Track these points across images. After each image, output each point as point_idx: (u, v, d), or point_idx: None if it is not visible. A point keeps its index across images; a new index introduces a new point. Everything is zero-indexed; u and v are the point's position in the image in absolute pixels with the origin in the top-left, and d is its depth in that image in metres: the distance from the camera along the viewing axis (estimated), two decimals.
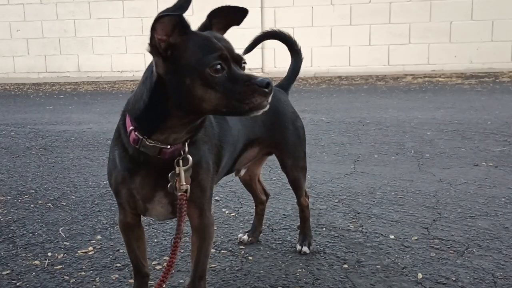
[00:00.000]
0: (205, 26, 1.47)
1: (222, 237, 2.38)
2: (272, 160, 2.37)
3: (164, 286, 1.51)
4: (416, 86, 8.19)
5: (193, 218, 1.58)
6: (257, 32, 2.15)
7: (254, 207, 2.38)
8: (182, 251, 2.20)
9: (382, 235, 2.35)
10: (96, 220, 2.64)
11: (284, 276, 1.98)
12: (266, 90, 1.31)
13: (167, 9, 1.27)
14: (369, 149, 4.13)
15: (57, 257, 2.19)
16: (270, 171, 3.48)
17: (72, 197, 3.05)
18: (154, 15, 1.28)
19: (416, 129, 4.82)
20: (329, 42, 10.10)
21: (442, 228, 2.42)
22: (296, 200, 2.22)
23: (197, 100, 1.32)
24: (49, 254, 2.22)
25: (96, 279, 1.98)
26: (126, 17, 10.64)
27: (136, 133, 1.42)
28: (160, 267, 2.07)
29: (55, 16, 10.89)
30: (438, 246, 2.21)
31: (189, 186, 1.47)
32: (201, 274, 1.62)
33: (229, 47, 1.37)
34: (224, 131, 1.70)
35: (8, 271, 2.06)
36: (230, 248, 2.25)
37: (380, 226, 2.47)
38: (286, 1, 10.08)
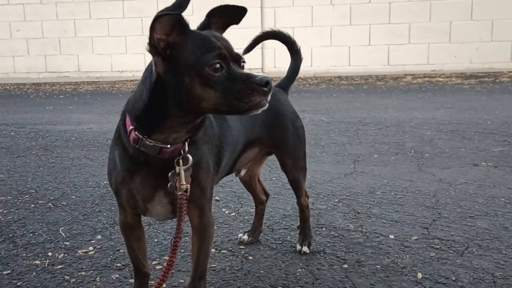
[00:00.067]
0: (204, 26, 1.47)
1: (222, 237, 2.38)
2: (272, 160, 2.37)
3: (164, 285, 1.52)
4: (416, 86, 8.19)
5: (193, 218, 1.59)
6: (257, 32, 2.16)
7: (254, 207, 2.38)
8: (182, 251, 2.20)
9: (382, 235, 2.36)
10: (96, 220, 2.64)
11: (284, 276, 1.99)
12: (265, 88, 1.31)
13: (166, 9, 1.27)
14: (369, 149, 4.13)
15: (58, 257, 2.19)
16: (270, 171, 3.48)
17: (73, 197, 3.05)
18: (154, 15, 1.28)
19: (416, 129, 4.82)
20: (329, 42, 10.10)
21: (442, 228, 2.42)
22: (296, 200, 2.22)
23: (196, 99, 1.32)
24: (50, 254, 2.23)
25: (97, 279, 1.98)
26: (126, 17, 10.64)
27: (136, 132, 1.43)
28: (160, 267, 2.07)
29: (55, 16, 10.90)
30: (438, 246, 2.21)
31: (189, 185, 1.47)
32: (201, 274, 1.62)
33: (228, 46, 1.37)
34: (224, 131, 1.70)
35: (8, 271, 2.06)
36: (230, 248, 2.26)
37: (380, 226, 2.47)
38: (286, 1, 10.09)
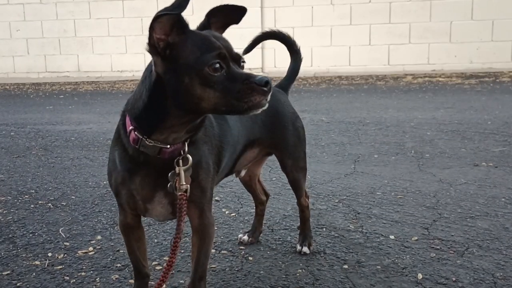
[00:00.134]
0: (203, 25, 1.46)
1: (222, 237, 2.38)
2: (272, 160, 2.37)
3: (164, 286, 1.51)
4: (416, 86, 8.19)
5: (193, 218, 1.58)
6: (257, 32, 2.15)
7: (254, 208, 2.38)
8: (182, 251, 2.20)
9: (382, 235, 2.35)
10: (96, 220, 2.64)
11: (284, 276, 1.98)
12: (265, 88, 1.30)
13: (165, 8, 1.27)
14: (369, 149, 4.13)
15: (57, 257, 2.19)
16: (270, 171, 3.48)
17: (72, 197, 3.05)
18: (153, 15, 1.28)
19: (416, 129, 4.82)
20: (329, 42, 10.10)
21: (442, 228, 2.42)
22: (296, 201, 2.22)
23: (196, 99, 1.32)
24: (49, 254, 2.22)
25: (97, 279, 1.98)
26: (126, 17, 10.64)
27: (135, 133, 1.42)
28: (160, 267, 2.07)
29: (54, 16, 10.89)
30: (438, 247, 2.21)
31: (189, 186, 1.47)
32: (201, 275, 1.62)
33: (227, 46, 1.37)
34: (225, 132, 1.70)
35: (8, 272, 2.06)
36: (230, 249, 2.25)
37: (380, 226, 2.46)
38: (286, 1, 10.08)
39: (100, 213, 2.75)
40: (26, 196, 3.08)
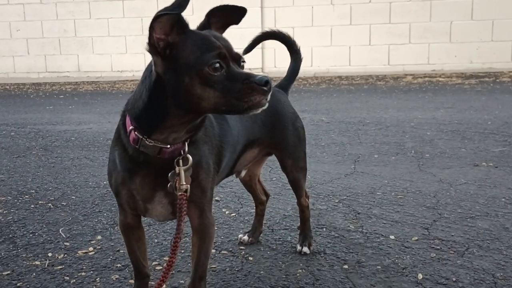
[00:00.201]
0: (203, 25, 1.46)
1: (222, 237, 2.38)
2: (272, 160, 2.37)
3: (164, 286, 1.51)
4: (416, 86, 8.19)
5: (193, 218, 1.58)
6: (257, 32, 2.15)
7: (254, 208, 2.38)
8: (182, 251, 2.20)
9: (382, 235, 2.35)
10: (96, 220, 2.64)
11: (284, 276, 1.98)
12: (265, 88, 1.30)
13: (165, 8, 1.27)
14: (369, 149, 4.13)
15: (58, 257, 2.19)
16: (270, 171, 3.48)
17: (73, 197, 3.05)
18: (153, 15, 1.28)
19: (416, 129, 4.82)
20: (329, 42, 10.10)
21: (443, 228, 2.42)
22: (296, 201, 2.22)
23: (196, 98, 1.32)
24: (50, 254, 2.22)
25: (97, 279, 1.98)
26: (126, 17, 10.64)
27: (136, 132, 1.42)
28: (161, 267, 2.07)
29: (55, 16, 10.90)
30: (438, 247, 2.21)
31: (189, 186, 1.47)
32: (201, 275, 1.62)
33: (227, 46, 1.37)
34: (225, 132, 1.70)
35: (8, 272, 2.06)
36: (231, 249, 2.25)
37: (380, 226, 2.46)
38: (286, 1, 10.09)
39: (100, 213, 2.75)
40: (26, 196, 3.08)
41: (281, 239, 2.36)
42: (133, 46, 10.64)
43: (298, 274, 2.00)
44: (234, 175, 2.03)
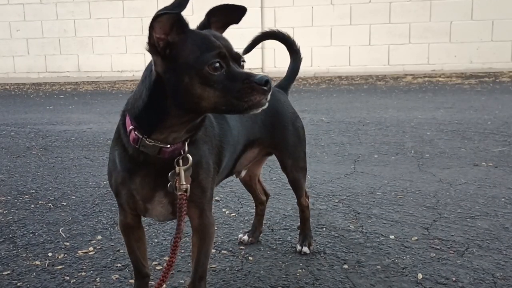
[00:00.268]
0: (203, 25, 1.46)
1: (222, 237, 2.38)
2: (272, 160, 2.37)
3: (164, 286, 1.51)
4: (416, 86, 8.19)
5: (193, 218, 1.58)
6: (257, 31, 2.15)
7: (254, 207, 2.38)
8: (182, 251, 2.20)
9: (382, 235, 2.35)
10: (96, 220, 2.64)
11: (284, 276, 1.98)
12: (265, 88, 1.30)
13: (165, 8, 1.27)
14: (369, 149, 4.13)
15: (58, 257, 2.19)
16: (270, 171, 3.48)
17: (73, 197, 3.05)
18: (153, 14, 1.28)
19: (416, 129, 4.82)
20: (329, 42, 10.10)
21: (442, 228, 2.42)
22: (296, 201, 2.22)
23: (196, 98, 1.32)
24: (50, 254, 2.22)
25: (97, 279, 1.98)
26: (126, 17, 10.65)
27: (135, 132, 1.42)
28: (161, 267, 2.07)
29: (55, 16, 10.90)
30: (438, 247, 2.21)
31: (189, 185, 1.47)
32: (201, 275, 1.62)
33: (227, 45, 1.37)
34: (225, 132, 1.70)
35: (8, 272, 2.06)
36: (231, 249, 2.25)
37: (380, 226, 2.47)
38: (286, 1, 10.09)
39: (100, 213, 2.75)
40: (26, 196, 3.08)
41: (281, 239, 2.36)
42: (133, 46, 10.65)
43: (298, 274, 2.00)
44: (234, 175, 2.03)
